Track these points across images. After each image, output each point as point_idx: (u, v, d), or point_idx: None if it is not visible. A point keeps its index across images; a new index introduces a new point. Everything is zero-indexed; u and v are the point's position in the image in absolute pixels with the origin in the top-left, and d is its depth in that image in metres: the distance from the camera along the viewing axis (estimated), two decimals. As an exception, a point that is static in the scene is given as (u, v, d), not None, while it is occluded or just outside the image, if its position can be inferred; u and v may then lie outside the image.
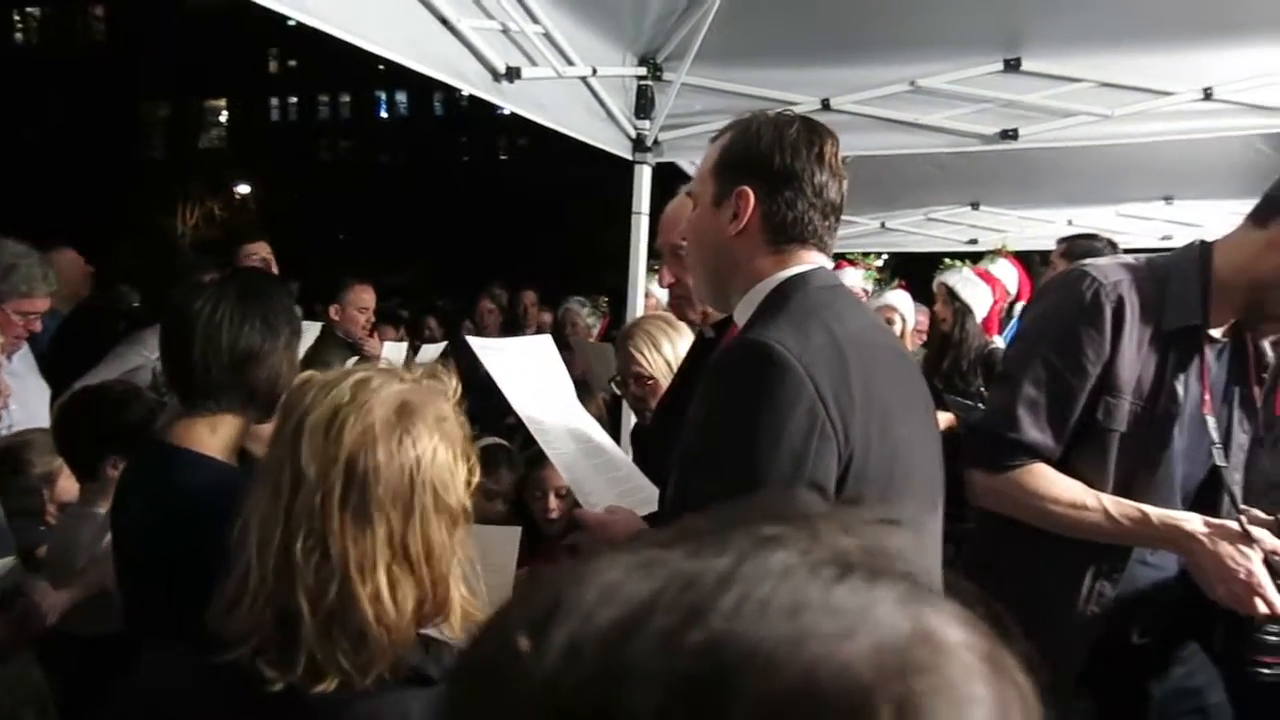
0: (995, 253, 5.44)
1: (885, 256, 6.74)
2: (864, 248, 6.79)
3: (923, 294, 5.94)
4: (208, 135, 43.45)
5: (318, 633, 1.20)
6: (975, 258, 5.62)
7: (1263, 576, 1.90)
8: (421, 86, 36.65)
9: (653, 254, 4.82)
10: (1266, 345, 2.16)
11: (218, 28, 35.12)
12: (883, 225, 7.02)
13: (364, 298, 5.17)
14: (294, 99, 42.31)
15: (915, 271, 6.44)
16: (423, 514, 1.25)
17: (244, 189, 36.49)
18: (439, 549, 1.26)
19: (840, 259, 6.00)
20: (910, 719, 0.39)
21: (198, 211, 34.84)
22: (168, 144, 42.15)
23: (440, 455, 1.27)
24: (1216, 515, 2.06)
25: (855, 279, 5.62)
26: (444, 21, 3.02)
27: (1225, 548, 1.92)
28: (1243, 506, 2.07)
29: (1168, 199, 6.15)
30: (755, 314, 1.70)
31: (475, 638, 0.47)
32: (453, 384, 1.37)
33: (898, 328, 5.11)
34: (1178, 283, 2.04)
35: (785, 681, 0.39)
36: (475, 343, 2.39)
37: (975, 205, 6.75)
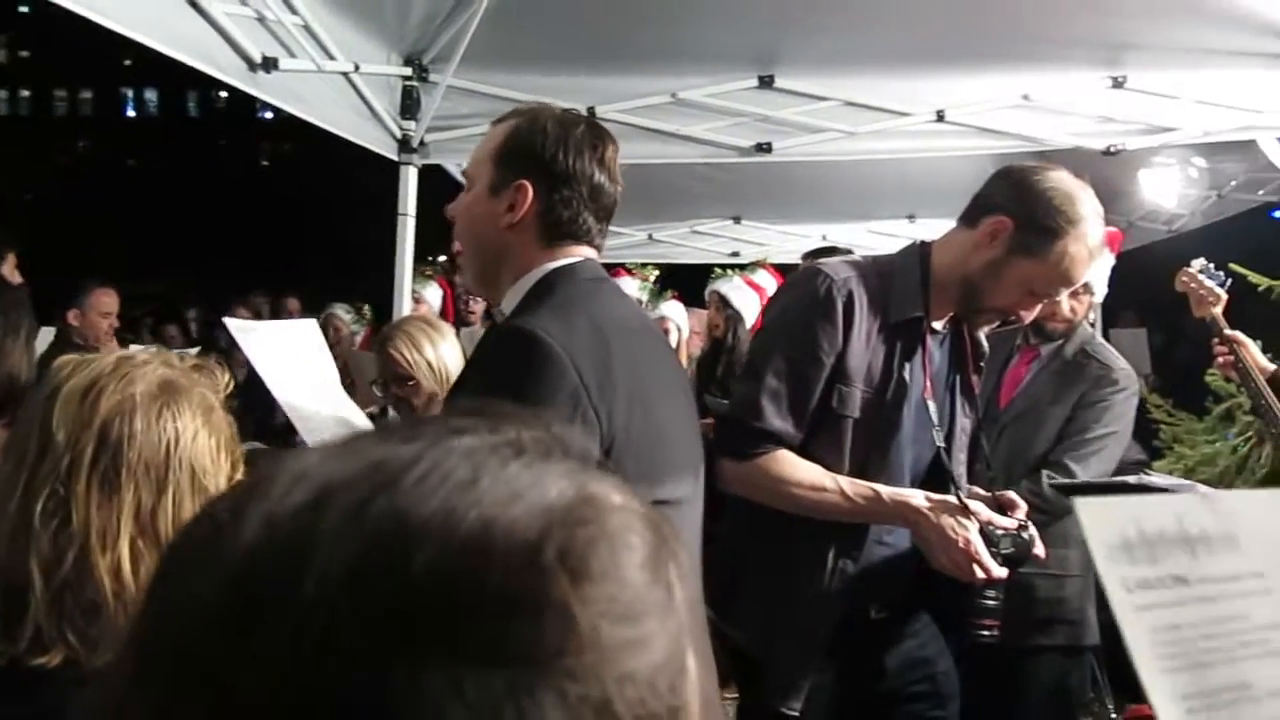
0: (756, 264, 5.70)
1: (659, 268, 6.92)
2: (632, 258, 6.95)
3: (690, 303, 6.15)
4: (-73, 129, 39.52)
5: (48, 604, 1.13)
6: (739, 269, 5.86)
7: (979, 545, 2.07)
8: (174, 84, 34.58)
9: (419, 257, 4.75)
10: (982, 336, 2.37)
11: (-63, 12, 32.05)
12: (650, 237, 7.21)
13: (105, 302, 4.87)
14: (25, 93, 39.03)
15: (683, 282, 6.65)
16: (176, 492, 1.19)
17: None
18: None
19: (618, 268, 6.13)
20: (573, 562, 0.43)
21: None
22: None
23: (202, 439, 1.22)
24: (944, 490, 2.22)
25: (631, 289, 5.75)
26: (194, 4, 2.88)
27: (946, 520, 2.09)
28: (965, 486, 2.26)
29: (910, 217, 6.63)
30: (521, 303, 1.73)
31: (186, 525, 0.48)
32: (224, 379, 1.32)
33: (673, 338, 5.25)
34: (901, 279, 2.22)
35: (461, 538, 0.42)
36: (233, 324, 2.28)
37: (737, 219, 7.06)
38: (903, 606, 2.32)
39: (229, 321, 2.32)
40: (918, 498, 2.13)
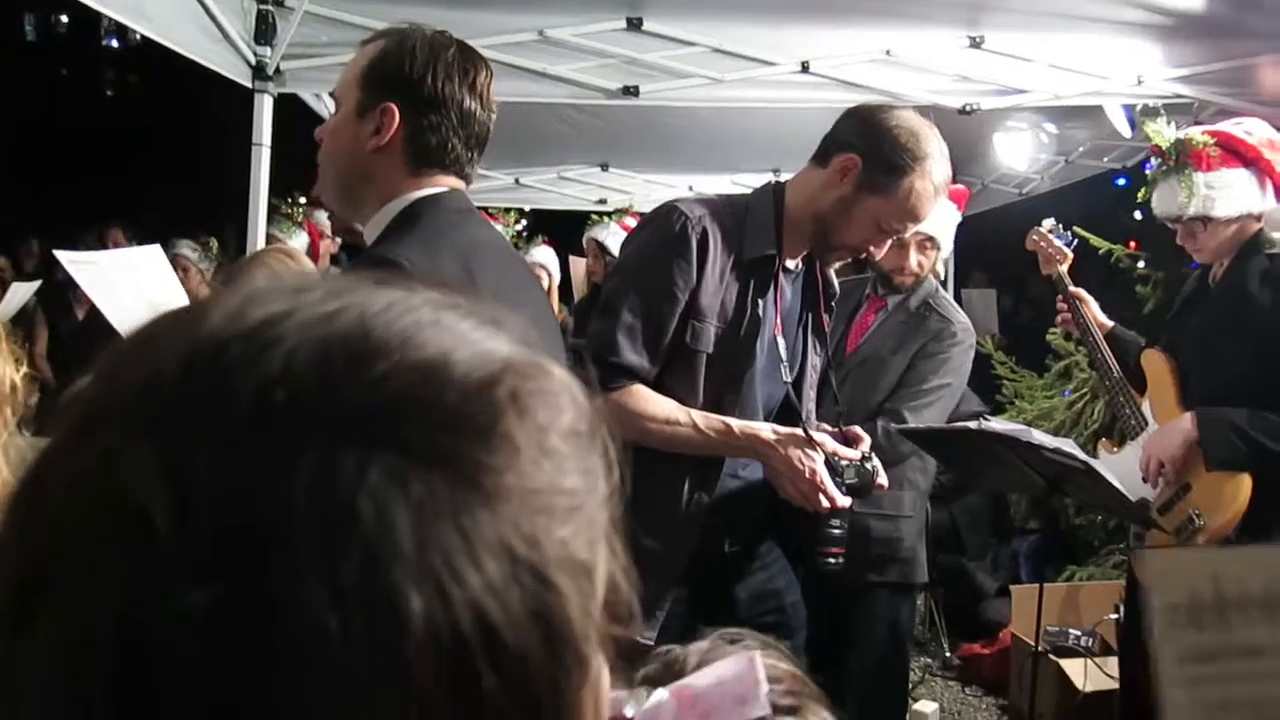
0: (622, 211, 5.68)
1: (519, 211, 6.83)
2: (498, 203, 6.85)
3: (558, 249, 6.12)
4: None
5: None
6: (611, 215, 5.84)
7: (824, 475, 2.13)
8: (7, 3, 32.30)
9: (276, 194, 4.57)
10: (833, 276, 2.42)
11: None
12: (517, 181, 7.11)
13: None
14: None
15: (550, 227, 6.60)
16: None
17: None
18: None
19: (481, 211, 6.01)
20: (522, 404, 0.46)
21: None
22: None
23: None
24: (793, 425, 2.27)
25: None
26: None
27: (793, 451, 2.14)
28: (814, 421, 2.32)
29: (776, 170, 6.69)
30: (384, 231, 1.69)
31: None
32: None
33: (545, 283, 5.19)
34: (755, 217, 2.25)
35: (420, 359, 0.44)
36: (66, 257, 2.13)
37: (605, 167, 7.01)
38: (754, 540, 2.37)
39: (61, 255, 2.17)
40: (766, 431, 2.17)
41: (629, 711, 0.80)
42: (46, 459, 0.44)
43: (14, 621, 0.41)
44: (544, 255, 5.55)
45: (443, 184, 1.73)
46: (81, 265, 2.14)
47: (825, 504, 2.15)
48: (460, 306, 0.49)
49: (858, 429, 2.29)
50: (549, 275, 5.36)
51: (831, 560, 2.22)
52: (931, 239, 3.12)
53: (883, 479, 2.22)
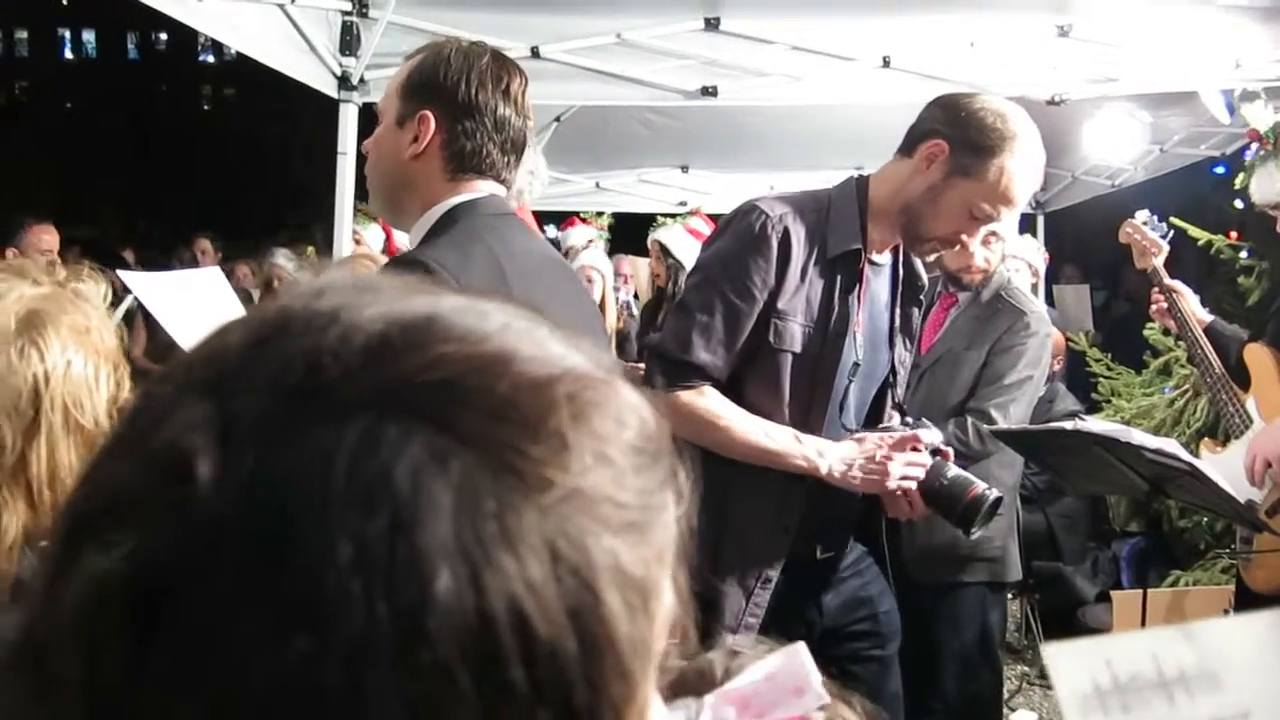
0: (691, 213, 5.66)
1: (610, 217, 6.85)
2: (580, 206, 6.89)
3: (639, 251, 6.12)
4: None
5: None
6: (682, 218, 5.82)
7: (897, 469, 2.11)
8: (112, 24, 33.55)
9: (359, 195, 4.66)
10: (921, 269, 2.37)
11: None
12: (597, 185, 7.14)
13: (44, 239, 4.75)
14: (-40, 33, 37.66)
15: (630, 230, 6.62)
16: (49, 434, 1.13)
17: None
18: (65, 472, 1.14)
19: (571, 216, 6.07)
20: (579, 408, 0.45)
21: None
22: None
23: (75, 369, 1.15)
24: (879, 422, 2.29)
25: (583, 237, 5.68)
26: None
27: (855, 474, 2.12)
28: (909, 418, 2.28)
29: (858, 168, 6.60)
30: (425, 236, 1.75)
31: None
32: (102, 289, 1.25)
33: (597, 286, 5.16)
34: (838, 212, 2.21)
35: (482, 351, 0.45)
36: (128, 277, 2.18)
37: (685, 169, 7.00)
38: (846, 546, 2.34)
39: (123, 275, 2.22)
40: (827, 462, 2.13)
41: None
42: (116, 422, 0.46)
43: (60, 565, 0.42)
44: (595, 258, 5.50)
45: (480, 189, 1.77)
46: (143, 285, 2.20)
47: (908, 510, 2.12)
48: (540, 322, 0.49)
49: (914, 432, 2.22)
50: (602, 278, 5.29)
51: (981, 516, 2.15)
52: (994, 232, 3.05)
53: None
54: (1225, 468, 2.80)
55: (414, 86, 1.76)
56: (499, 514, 0.41)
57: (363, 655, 0.39)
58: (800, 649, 0.82)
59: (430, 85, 1.74)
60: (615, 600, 0.43)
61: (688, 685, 0.86)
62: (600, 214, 6.49)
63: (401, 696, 0.39)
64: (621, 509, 0.44)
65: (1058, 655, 0.55)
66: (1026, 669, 5.02)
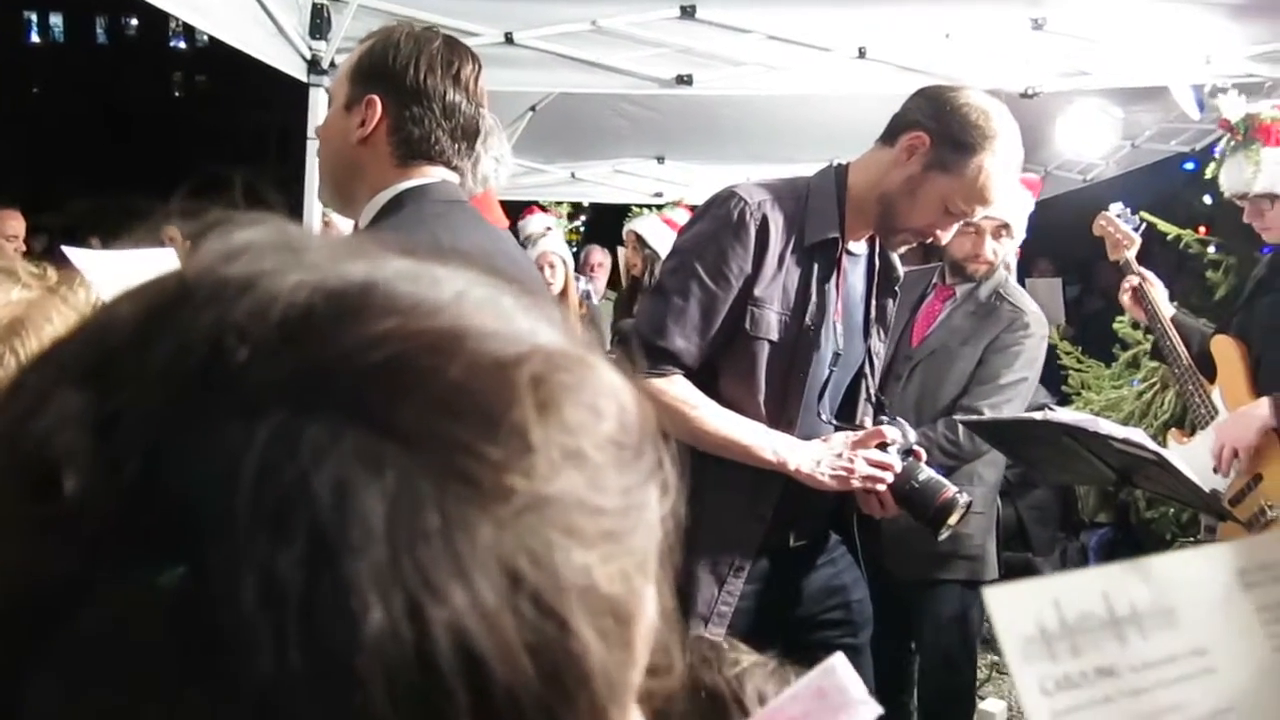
0: (674, 204, 5.65)
1: (576, 206, 6.82)
2: (555, 197, 6.86)
3: (613, 242, 6.10)
4: None
5: None
6: (658, 208, 5.82)
7: (862, 468, 2.12)
8: (80, 8, 33.09)
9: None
10: (896, 260, 2.37)
11: None
12: (573, 175, 7.11)
13: (10, 225, 4.70)
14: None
15: (606, 221, 6.59)
16: None
17: None
18: None
19: (532, 205, 6.03)
20: (545, 394, 0.37)
21: None
22: None
23: None
24: (855, 412, 2.29)
25: (540, 225, 5.62)
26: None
27: (824, 471, 2.13)
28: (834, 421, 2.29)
29: (834, 160, 6.60)
30: (371, 222, 1.74)
31: None
32: (85, 295, 1.21)
33: (558, 273, 5.08)
34: (817, 200, 2.20)
35: (430, 326, 0.37)
36: (75, 254, 2.08)
37: (661, 159, 6.98)
38: (821, 535, 2.34)
39: (70, 251, 2.11)
40: (795, 460, 2.13)
41: None
42: None
43: None
44: (554, 244, 5.41)
45: (430, 175, 1.75)
46: (92, 263, 2.10)
47: (879, 508, 2.15)
48: (503, 289, 0.41)
49: (881, 428, 2.22)
50: (563, 264, 5.20)
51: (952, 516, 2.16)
52: (1007, 225, 3.05)
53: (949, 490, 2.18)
54: (1191, 458, 2.83)
55: (363, 71, 1.75)
56: (445, 532, 0.34)
57: (275, 712, 0.32)
58: (840, 661, 0.80)
59: (379, 70, 1.73)
60: (587, 629, 0.36)
61: (703, 713, 0.84)
62: (560, 203, 6.45)
63: None
64: (597, 516, 0.38)
65: (998, 597, 0.53)
66: (996, 658, 5.05)
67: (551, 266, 4.93)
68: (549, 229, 5.59)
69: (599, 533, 0.37)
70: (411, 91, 1.71)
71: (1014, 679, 0.52)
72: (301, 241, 0.40)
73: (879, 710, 0.76)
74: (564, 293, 4.91)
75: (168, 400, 0.34)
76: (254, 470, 0.33)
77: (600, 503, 0.38)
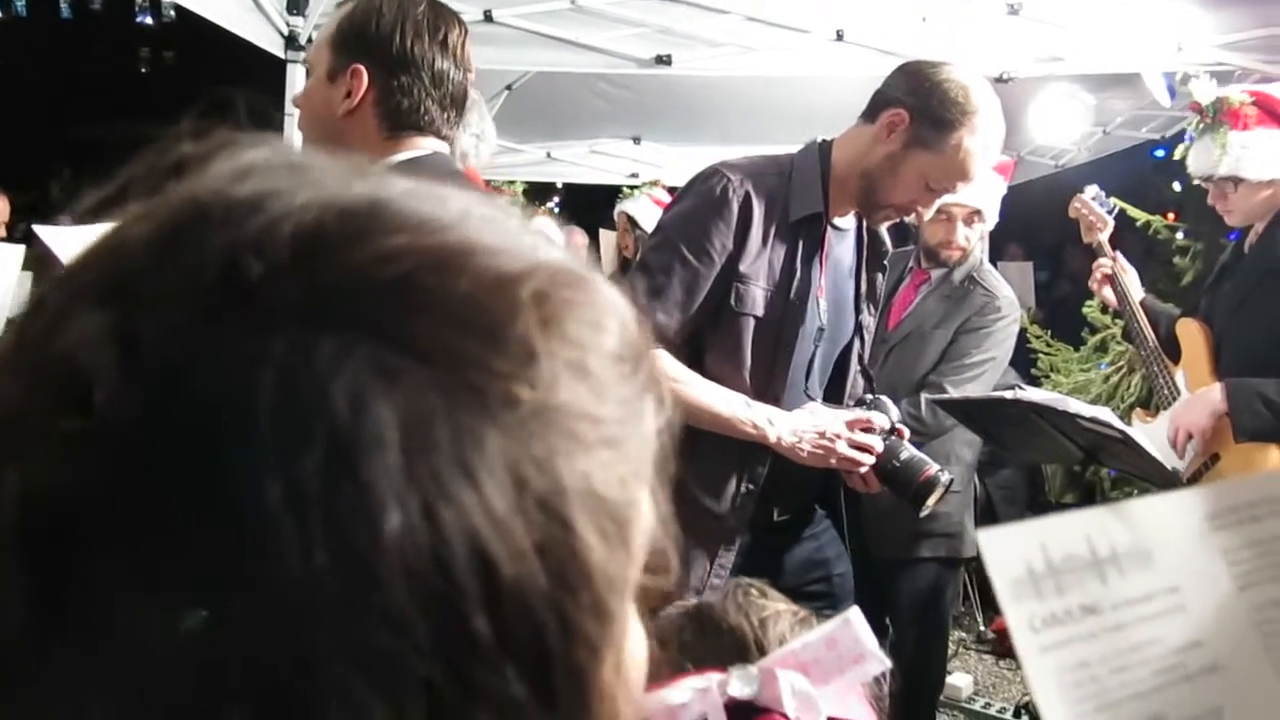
0: (652, 183, 5.66)
1: (533, 186, 6.77)
2: (530, 176, 6.84)
3: (589, 222, 6.10)
4: None
5: None
6: (643, 189, 5.81)
7: (843, 449, 2.14)
8: (48, -17, 32.43)
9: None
10: (884, 233, 2.39)
11: None
12: (549, 155, 7.09)
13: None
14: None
15: (582, 201, 6.58)
16: None
17: None
18: None
19: (486, 184, 6.01)
20: (549, 310, 0.39)
21: None
22: None
23: None
24: (844, 386, 2.31)
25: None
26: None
27: (804, 448, 2.14)
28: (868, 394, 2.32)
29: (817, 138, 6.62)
30: None
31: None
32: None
33: None
34: (801, 176, 2.21)
35: (437, 243, 0.39)
36: (45, 232, 2.01)
37: (637, 140, 6.98)
38: (805, 509, 2.37)
39: (40, 229, 2.03)
40: (775, 432, 2.14)
41: (739, 691, 0.79)
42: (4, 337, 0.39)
43: None
44: (544, 226, 5.44)
45: (422, 147, 1.69)
46: (62, 240, 2.01)
47: (863, 485, 2.19)
48: (508, 212, 0.44)
49: (867, 415, 2.24)
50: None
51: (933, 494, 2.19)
52: (978, 212, 3.09)
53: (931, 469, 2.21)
54: (1155, 436, 2.89)
55: (345, 38, 1.67)
56: (455, 439, 0.36)
57: (302, 611, 0.34)
58: (856, 615, 0.82)
59: (362, 37, 1.65)
60: (589, 529, 0.38)
61: (723, 650, 0.86)
62: (512, 182, 6.42)
63: (349, 656, 0.34)
64: (598, 424, 0.40)
65: (992, 541, 0.57)
66: (964, 634, 5.14)
67: None
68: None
69: (599, 440, 0.39)
70: (398, 60, 1.64)
71: (1005, 615, 0.56)
72: (306, 161, 0.42)
73: (888, 664, 0.80)
74: None
75: (186, 317, 0.35)
76: (272, 381, 0.34)
77: (600, 412, 0.40)
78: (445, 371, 0.36)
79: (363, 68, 1.64)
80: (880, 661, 0.79)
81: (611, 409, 0.40)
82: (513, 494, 0.36)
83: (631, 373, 0.42)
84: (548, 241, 0.43)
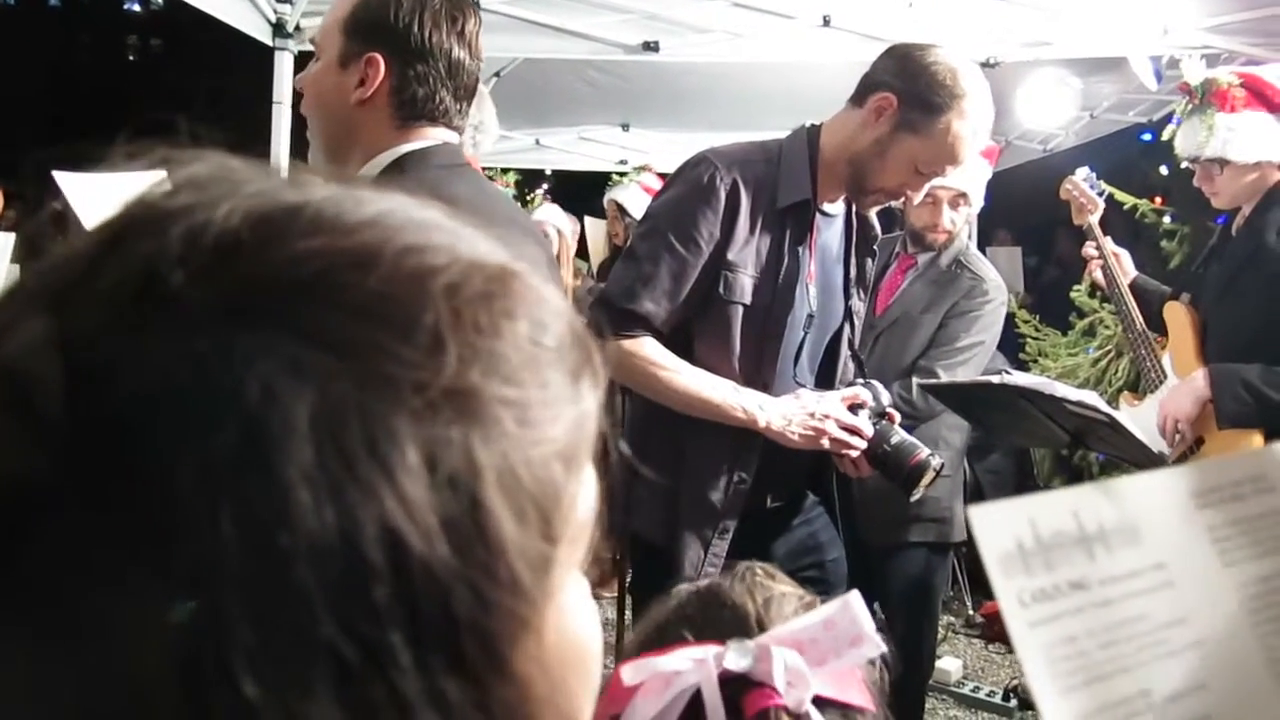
0: (640, 169, 5.65)
1: (524, 173, 6.76)
2: (519, 163, 6.83)
3: (578, 209, 6.10)
4: None
5: None
6: (624, 175, 5.81)
7: (833, 430, 2.15)
8: (31, -29, 32.19)
9: (294, 151, 4.58)
10: (874, 217, 2.39)
11: None
12: (537, 142, 7.09)
13: (-6, 196, 4.59)
14: None
15: (570, 188, 6.57)
16: None
17: None
18: None
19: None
20: (461, 302, 0.41)
21: None
22: None
23: None
24: (835, 372, 2.31)
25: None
26: None
27: (795, 431, 2.14)
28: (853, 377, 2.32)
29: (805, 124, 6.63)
30: None
31: None
32: None
33: (555, 244, 5.14)
34: (789, 162, 2.20)
35: (353, 241, 0.41)
36: (64, 179, 1.98)
37: (626, 127, 6.97)
38: (797, 496, 2.38)
39: (59, 176, 1.99)
40: (765, 418, 2.14)
41: (734, 664, 0.80)
42: None
43: None
44: (551, 213, 5.45)
45: (432, 137, 1.66)
46: (78, 188, 1.97)
47: (854, 469, 2.19)
48: (438, 211, 0.45)
49: (854, 391, 2.25)
50: (557, 234, 5.26)
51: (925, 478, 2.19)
52: (964, 195, 3.08)
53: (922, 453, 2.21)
54: (1142, 420, 2.90)
55: (360, 24, 1.62)
56: (365, 424, 0.38)
57: (209, 579, 0.36)
58: (855, 597, 0.83)
59: (380, 25, 1.60)
60: (500, 507, 0.40)
61: (724, 625, 0.87)
62: (506, 170, 6.41)
63: (255, 625, 0.36)
64: (514, 408, 0.41)
65: (982, 518, 0.57)
66: (952, 619, 5.16)
67: (546, 236, 4.98)
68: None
69: (517, 422, 0.41)
70: (416, 50, 1.60)
71: (995, 591, 0.57)
72: (242, 174, 0.44)
73: (884, 648, 0.81)
74: (558, 260, 4.94)
75: (113, 322, 0.38)
76: (190, 377, 0.37)
77: (518, 396, 0.42)
78: (357, 362, 0.38)
79: (379, 56, 1.60)
80: (877, 645, 0.80)
81: (532, 393, 0.42)
82: (423, 474, 0.38)
83: (558, 359, 0.44)
84: (479, 241, 0.45)
